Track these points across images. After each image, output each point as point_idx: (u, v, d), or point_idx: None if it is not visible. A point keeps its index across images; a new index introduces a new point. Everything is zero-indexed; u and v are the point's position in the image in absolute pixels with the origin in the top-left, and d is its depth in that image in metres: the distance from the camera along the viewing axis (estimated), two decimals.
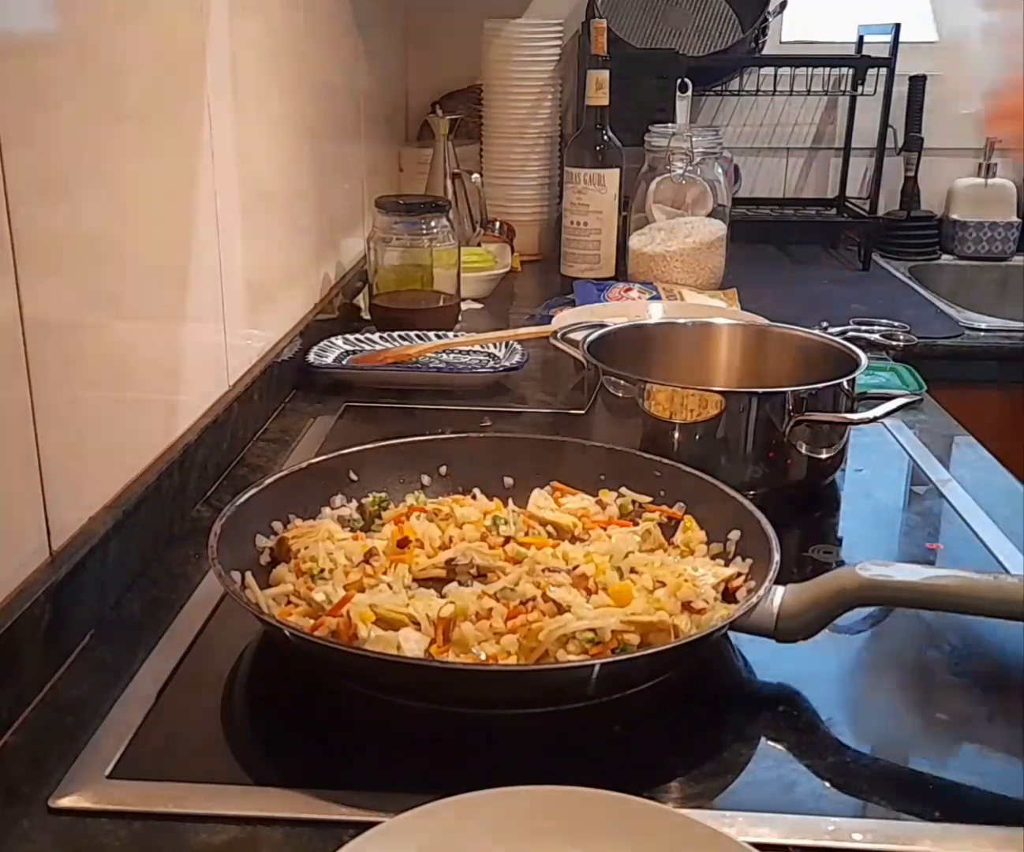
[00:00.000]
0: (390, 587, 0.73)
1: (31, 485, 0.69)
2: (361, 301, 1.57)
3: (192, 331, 0.97)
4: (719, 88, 2.14)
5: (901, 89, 2.07)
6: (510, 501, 0.87)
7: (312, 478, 0.85)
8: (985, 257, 2.16)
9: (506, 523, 0.82)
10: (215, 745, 0.64)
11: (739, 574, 0.76)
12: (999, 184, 2.17)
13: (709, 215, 1.73)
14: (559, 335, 1.15)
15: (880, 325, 1.42)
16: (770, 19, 2.09)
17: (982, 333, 1.66)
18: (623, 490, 0.87)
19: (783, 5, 2.10)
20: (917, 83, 2.12)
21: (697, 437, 0.95)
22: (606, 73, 1.67)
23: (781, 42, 2.22)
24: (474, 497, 0.88)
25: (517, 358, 1.29)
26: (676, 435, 0.95)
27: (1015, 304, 1.86)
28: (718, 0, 2.12)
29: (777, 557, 0.71)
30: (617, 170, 1.70)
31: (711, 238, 1.70)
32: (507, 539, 0.81)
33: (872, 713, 0.69)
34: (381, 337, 1.38)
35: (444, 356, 1.34)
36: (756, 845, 0.53)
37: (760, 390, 0.95)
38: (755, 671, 0.71)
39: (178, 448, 0.91)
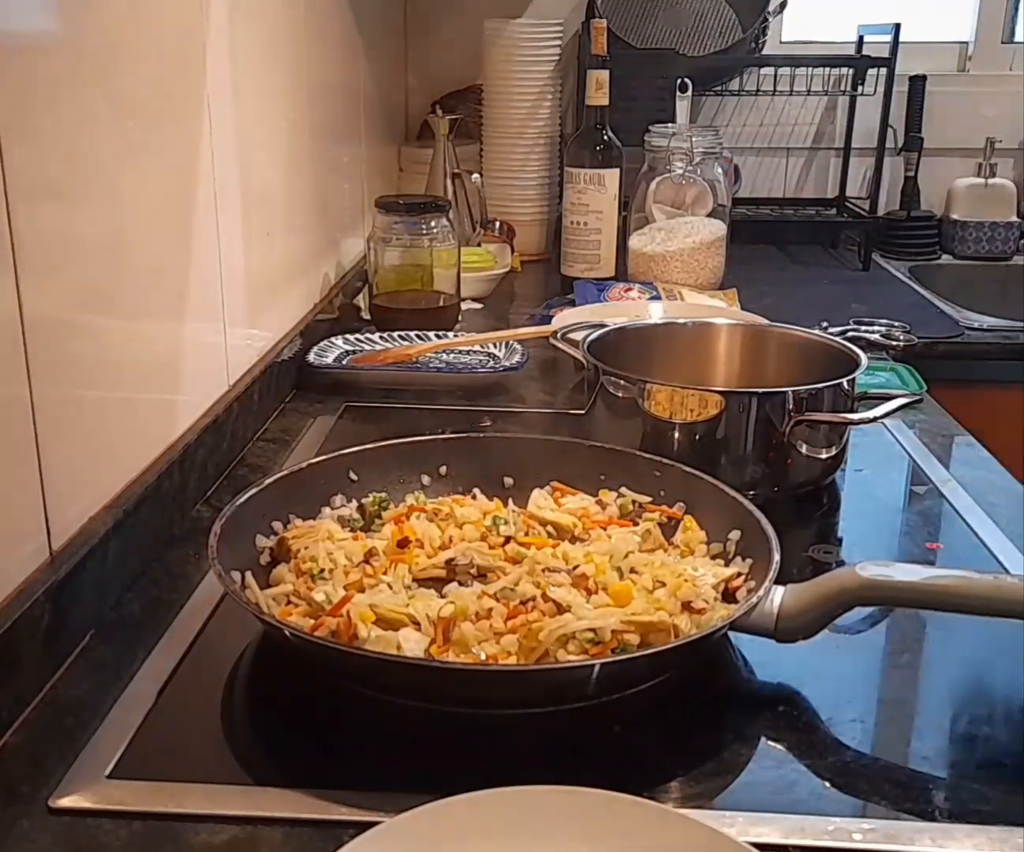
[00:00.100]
0: (390, 587, 0.73)
1: (31, 485, 0.69)
2: (361, 301, 1.57)
3: (192, 331, 0.97)
4: (719, 88, 2.13)
5: (901, 89, 2.07)
6: (510, 501, 0.87)
7: (312, 478, 0.85)
8: (985, 257, 2.16)
9: (506, 523, 0.82)
10: (215, 745, 0.64)
11: (739, 574, 0.76)
12: (999, 184, 2.17)
13: (709, 215, 1.72)
14: (559, 335, 1.15)
15: (880, 325, 1.42)
16: (770, 19, 2.09)
17: (982, 333, 1.66)
18: (623, 490, 0.87)
19: (783, 5, 2.10)
20: (917, 83, 2.12)
21: (697, 437, 0.95)
22: (606, 73, 1.67)
23: (781, 42, 2.23)
24: (474, 497, 0.88)
25: (517, 358, 1.29)
26: (676, 435, 0.95)
27: (1015, 304, 1.86)
28: (718, 0, 2.11)
29: (777, 557, 0.71)
30: (617, 170, 1.70)
31: (711, 238, 1.70)
32: (507, 539, 0.81)
33: (872, 713, 0.69)
34: (381, 337, 1.38)
35: (444, 356, 1.34)
36: (756, 845, 0.53)
37: (760, 390, 0.95)
38: (755, 671, 0.71)
39: (178, 448, 0.91)
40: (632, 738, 0.65)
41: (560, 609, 0.69)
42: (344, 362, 1.31)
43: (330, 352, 1.33)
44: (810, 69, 2.06)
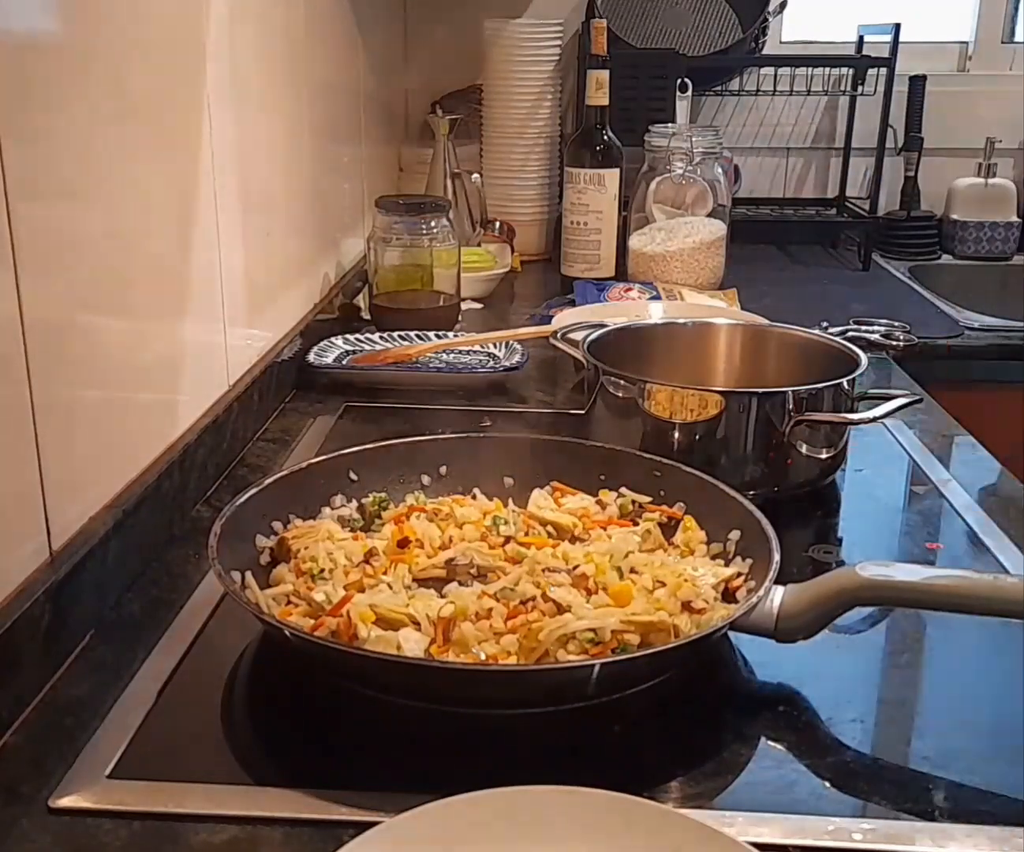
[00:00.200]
0: (390, 587, 0.73)
1: (31, 485, 0.69)
2: (361, 301, 1.57)
3: (192, 331, 0.97)
4: (719, 88, 2.14)
5: (901, 89, 2.07)
6: (510, 501, 0.87)
7: (312, 478, 0.85)
8: (985, 257, 2.16)
9: (506, 523, 0.82)
10: (215, 745, 0.64)
11: (739, 574, 0.76)
12: (999, 184, 2.17)
13: (709, 215, 1.72)
14: (559, 335, 1.15)
15: (880, 325, 1.41)
16: (770, 19, 2.09)
17: (982, 333, 1.66)
18: (623, 490, 0.87)
19: (783, 5, 2.10)
20: (917, 83, 2.12)
21: (697, 437, 0.95)
22: (606, 73, 1.67)
23: (781, 42, 2.23)
24: (474, 497, 0.88)
25: (517, 358, 1.29)
26: (676, 435, 0.95)
27: (1015, 304, 1.86)
28: (718, 0, 2.12)
29: (777, 557, 0.71)
30: (617, 170, 1.70)
31: (711, 238, 1.70)
32: (507, 539, 0.81)
33: (872, 713, 0.69)
34: (381, 337, 1.38)
35: (444, 356, 1.34)
36: (756, 845, 0.53)
37: (760, 390, 0.95)
38: (755, 671, 0.71)
39: (178, 448, 0.91)
40: (632, 738, 0.65)
41: (560, 609, 0.69)
42: (344, 362, 1.31)
43: (330, 352, 1.33)
44: (810, 69, 2.06)
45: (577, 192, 1.71)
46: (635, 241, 1.73)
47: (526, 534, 0.82)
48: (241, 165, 1.09)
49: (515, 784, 0.54)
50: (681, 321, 1.20)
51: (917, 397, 1.03)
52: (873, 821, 0.58)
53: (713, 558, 0.79)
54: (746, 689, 0.71)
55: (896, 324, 1.43)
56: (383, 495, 0.87)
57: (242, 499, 0.78)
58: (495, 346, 1.35)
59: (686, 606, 0.71)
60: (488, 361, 1.33)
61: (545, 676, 0.63)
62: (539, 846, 0.53)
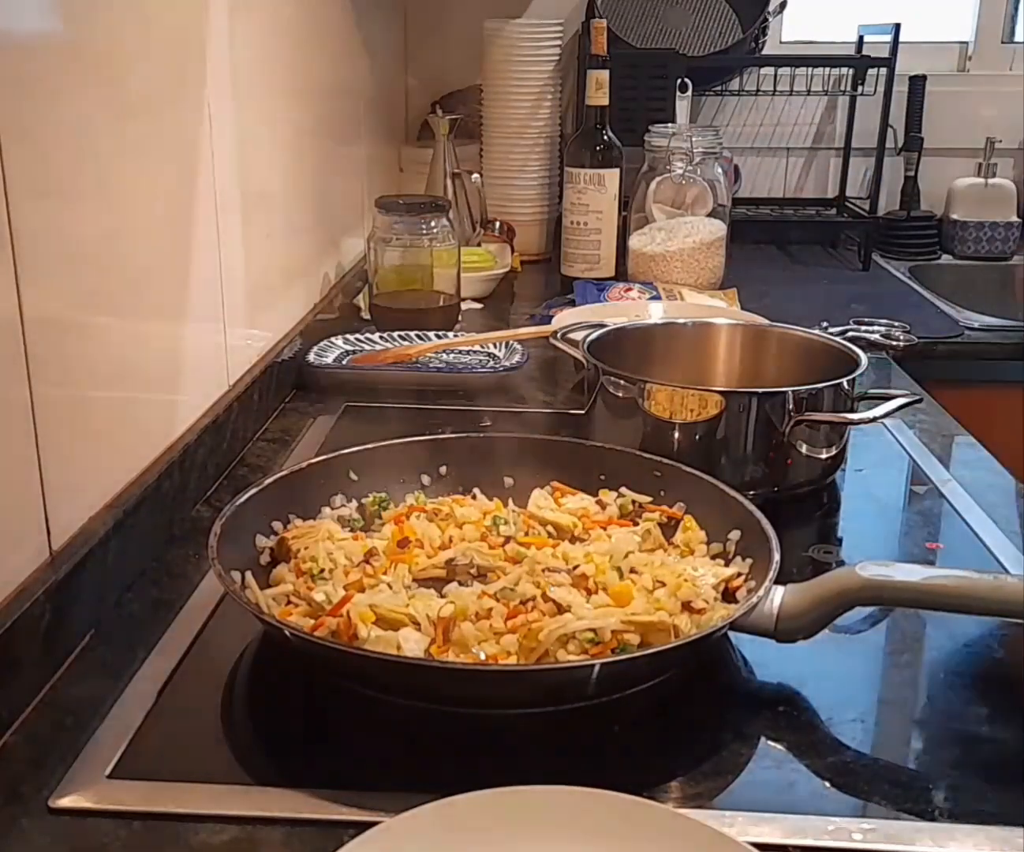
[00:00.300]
0: (390, 587, 0.73)
1: (31, 485, 0.69)
2: (361, 301, 1.57)
3: (192, 331, 0.97)
4: (719, 88, 2.13)
5: (901, 89, 2.07)
6: (510, 501, 0.87)
7: (312, 478, 0.85)
8: (985, 257, 2.16)
9: (506, 523, 0.83)
10: (215, 745, 0.64)
11: (739, 574, 0.76)
12: (999, 184, 2.17)
13: (709, 215, 1.72)
14: (559, 335, 1.15)
15: (880, 325, 1.41)
16: (770, 19, 2.09)
17: (982, 333, 1.66)
18: (623, 490, 0.87)
19: (783, 5, 2.10)
20: (917, 83, 2.12)
21: (697, 437, 0.95)
22: (606, 73, 1.67)
23: (781, 42, 2.23)
24: (474, 497, 0.88)
25: (517, 358, 1.29)
26: (676, 435, 0.95)
27: (1015, 304, 1.86)
28: (718, 0, 2.12)
29: (777, 557, 0.71)
30: (617, 170, 1.70)
31: (711, 238, 1.70)
32: (507, 539, 0.81)
33: (872, 713, 0.69)
34: (381, 337, 1.38)
35: (444, 356, 1.34)
36: (756, 845, 0.53)
37: (760, 390, 0.95)
38: (755, 671, 0.71)
39: (178, 448, 0.91)
40: (632, 738, 0.65)
41: (560, 609, 0.69)
42: (344, 362, 1.31)
43: (330, 352, 1.33)
44: (810, 69, 2.06)
45: (577, 192, 1.71)
46: (635, 241, 1.73)
47: (526, 534, 0.82)
48: (241, 165, 1.09)
49: (515, 784, 0.54)
50: (681, 321, 1.20)
51: (917, 397, 1.03)
52: (873, 821, 0.58)
53: (713, 558, 0.79)
54: (746, 689, 0.71)
55: (896, 324, 1.43)
56: (383, 495, 0.87)
57: (242, 499, 0.78)
58: (495, 346, 1.35)
59: (686, 606, 0.71)
60: (488, 361, 1.33)
61: (545, 676, 0.63)
62: (539, 846, 0.53)
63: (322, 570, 0.75)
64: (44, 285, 0.69)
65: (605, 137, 1.69)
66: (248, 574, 0.74)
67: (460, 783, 0.55)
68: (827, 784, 0.61)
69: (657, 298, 1.53)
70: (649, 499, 0.86)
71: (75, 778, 0.60)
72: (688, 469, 0.85)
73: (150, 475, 0.85)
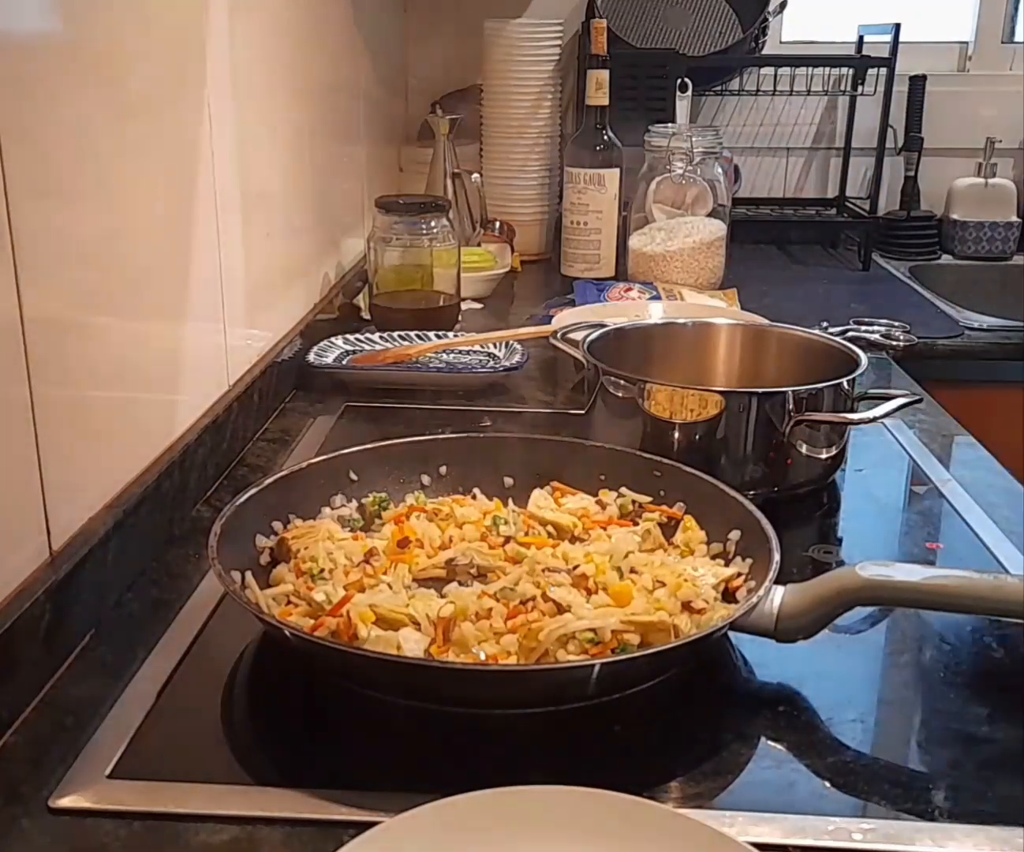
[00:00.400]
0: (390, 587, 0.73)
1: (31, 485, 0.69)
2: (361, 301, 1.57)
3: (192, 331, 0.97)
4: (719, 88, 2.14)
5: (901, 89, 2.07)
6: (510, 501, 0.87)
7: (312, 478, 0.85)
8: (985, 257, 2.16)
9: (506, 523, 0.82)
10: (215, 745, 0.64)
11: (739, 574, 0.76)
12: (999, 184, 2.17)
13: (709, 215, 1.72)
14: (559, 335, 1.15)
15: (880, 325, 1.41)
16: (770, 19, 2.09)
17: (982, 333, 1.66)
18: (623, 490, 0.87)
19: (783, 5, 2.10)
20: (917, 83, 2.12)
21: (697, 437, 0.95)
22: (606, 73, 1.67)
23: (781, 42, 2.23)
24: (474, 497, 0.88)
25: (517, 358, 1.29)
26: (676, 435, 0.95)
27: (1015, 304, 1.86)
28: (718, 0, 2.12)
29: (777, 557, 0.71)
30: (617, 170, 1.70)
31: (711, 238, 1.70)
32: (507, 539, 0.81)
33: (872, 713, 0.69)
34: (381, 337, 1.38)
35: (444, 356, 1.34)
36: (756, 845, 0.53)
37: (760, 390, 0.95)
38: (755, 671, 0.71)
39: (178, 448, 0.91)
40: (632, 738, 0.65)
41: (560, 609, 0.69)
42: (344, 362, 1.31)
43: (330, 352, 1.33)
44: (810, 69, 2.06)
45: (577, 192, 1.71)
46: (635, 241, 1.73)
47: (526, 534, 0.82)
48: (241, 165, 1.09)
49: (515, 784, 0.54)
50: (681, 321, 1.20)
51: (917, 397, 1.03)
52: (873, 821, 0.58)
53: (713, 558, 0.79)
54: (746, 689, 0.71)
55: (896, 324, 1.43)
56: (383, 495, 0.87)
57: (242, 499, 0.78)
58: (495, 346, 1.35)
59: (686, 606, 0.71)
60: (488, 361, 1.33)
61: (545, 676, 0.63)
62: (539, 846, 0.53)
63: (322, 570, 0.75)
64: (44, 285, 0.69)
65: (605, 137, 1.69)
66: (248, 574, 0.74)
67: (460, 783, 0.55)
68: (827, 784, 0.61)
69: (657, 298, 1.53)
70: (649, 499, 0.86)
71: (75, 778, 0.60)
72: (688, 469, 0.85)
73: (150, 475, 0.85)
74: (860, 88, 2.06)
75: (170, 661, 0.71)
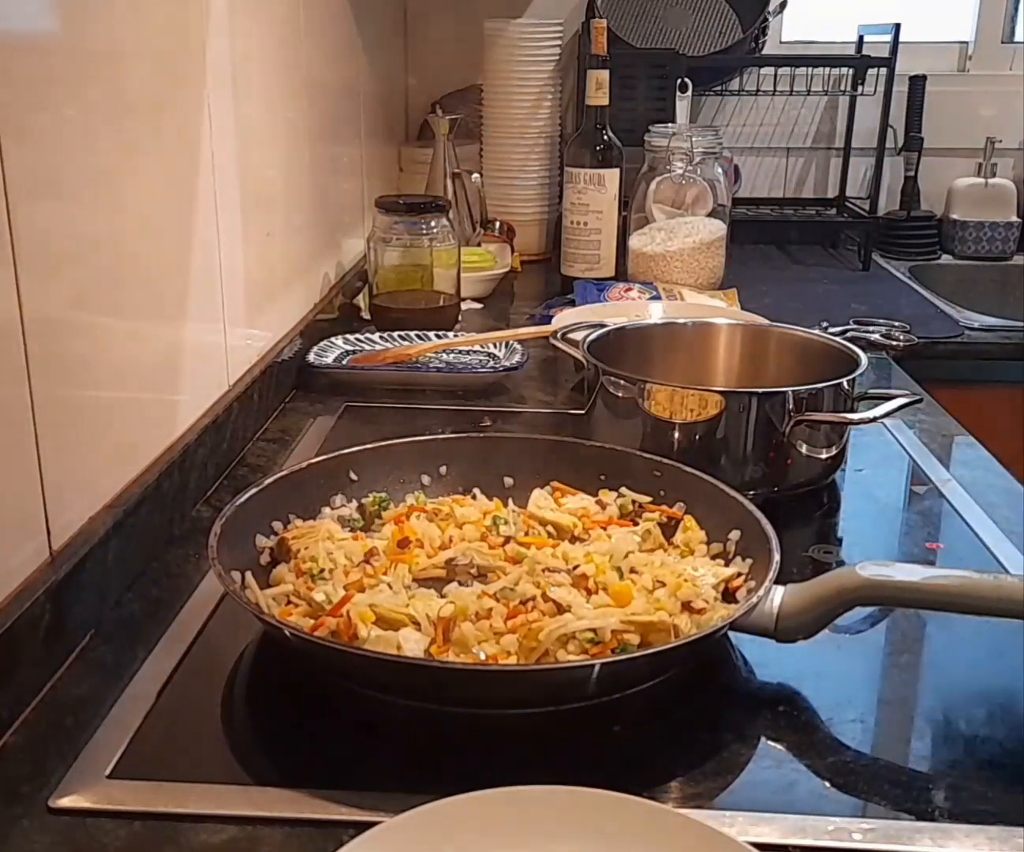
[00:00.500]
0: (390, 587, 0.73)
1: (31, 485, 0.69)
2: (361, 301, 1.57)
3: (192, 331, 0.97)
4: (719, 88, 2.13)
5: (901, 89, 2.07)
6: (510, 501, 0.87)
7: (312, 478, 0.85)
8: (985, 257, 2.16)
9: (506, 523, 0.82)
10: (215, 745, 0.64)
11: (739, 574, 0.76)
12: (999, 184, 2.17)
13: (709, 215, 1.72)
14: (559, 335, 1.15)
15: (880, 325, 1.42)
16: (770, 19, 2.09)
17: (982, 333, 1.66)
18: (623, 490, 0.87)
19: (783, 5, 2.10)
20: (917, 83, 2.12)
21: (697, 437, 0.95)
22: (606, 73, 1.67)
23: (781, 42, 2.23)
24: (474, 497, 0.88)
25: (517, 358, 1.29)
26: (676, 435, 0.95)
27: (1015, 304, 1.86)
28: (718, 0, 2.12)
29: (777, 557, 0.71)
30: (617, 170, 1.70)
31: (711, 238, 1.70)
32: (507, 539, 0.81)
33: (872, 713, 0.69)
34: (381, 337, 1.38)
35: (444, 356, 1.34)
36: (756, 845, 0.53)
37: (760, 390, 0.95)
38: (755, 671, 0.71)
39: (178, 448, 0.91)
40: (632, 738, 0.65)
41: (560, 609, 0.69)
42: (344, 362, 1.31)
43: (330, 352, 1.33)
44: (810, 69, 2.06)
45: (577, 192, 1.71)
46: (635, 241, 1.73)
47: (526, 534, 0.82)
48: (241, 165, 1.09)
49: (515, 784, 0.54)
50: (681, 321, 1.20)
51: (917, 397, 1.03)
52: (873, 821, 0.58)
53: (713, 558, 0.79)
54: (746, 689, 0.70)
55: (896, 324, 1.43)
56: (383, 495, 0.87)
57: (242, 499, 0.78)
58: (495, 346, 1.35)
59: (686, 606, 0.71)
60: (488, 361, 1.33)
61: (545, 676, 0.63)
62: (539, 846, 0.53)
63: (322, 570, 0.75)
64: (44, 285, 0.69)
65: (605, 137, 1.69)
66: (248, 574, 0.74)
67: (460, 783, 0.55)
68: (827, 784, 0.61)
69: (657, 298, 1.53)
70: (649, 499, 0.86)
71: (75, 778, 0.60)
72: (688, 469, 0.85)
73: (150, 475, 0.85)
74: (860, 88, 2.06)
75: (170, 661, 0.71)
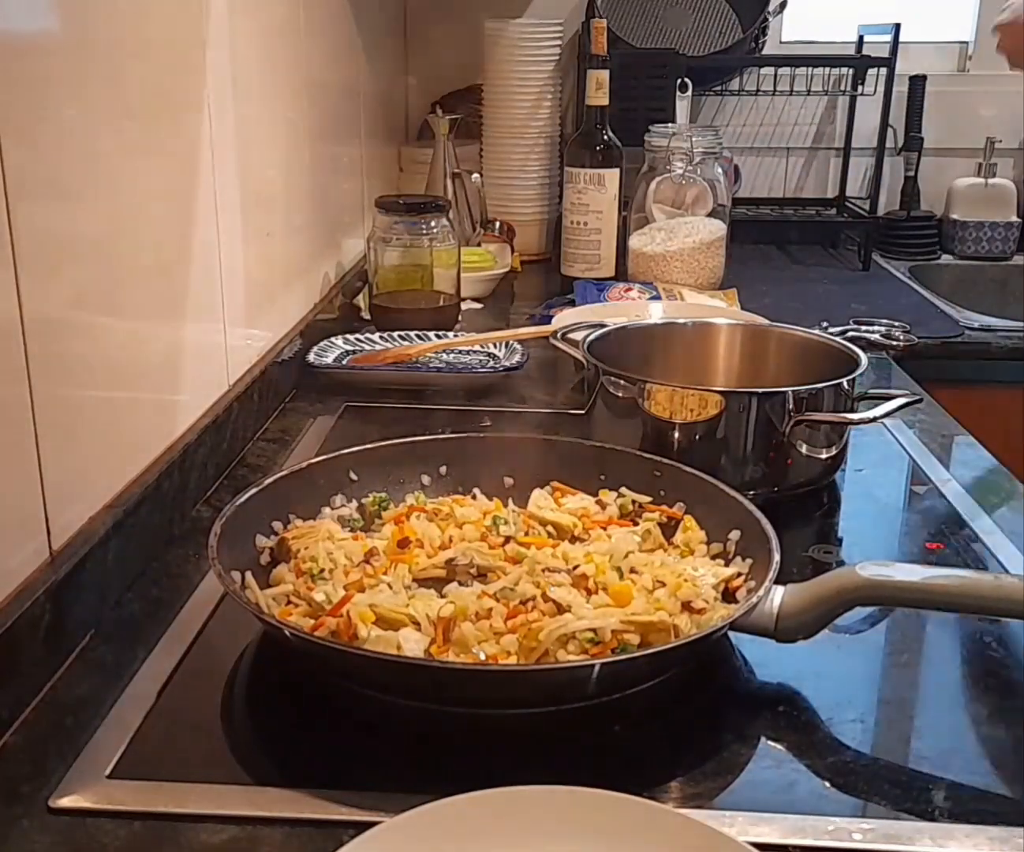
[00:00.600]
0: (390, 587, 0.73)
1: (31, 485, 0.69)
2: (361, 301, 1.57)
3: (192, 331, 0.97)
4: (719, 88, 2.14)
5: (901, 89, 2.07)
6: (510, 501, 0.87)
7: (312, 478, 0.85)
8: (985, 257, 2.16)
9: (506, 523, 0.82)
10: (215, 745, 0.64)
11: (739, 574, 0.76)
12: (999, 184, 2.17)
13: (709, 215, 1.73)
14: (559, 335, 1.15)
15: (880, 325, 1.41)
16: (770, 19, 2.09)
17: (982, 333, 1.66)
18: (623, 490, 0.87)
19: (783, 5, 2.10)
20: (917, 83, 2.12)
21: (697, 437, 0.95)
22: (606, 73, 1.67)
23: (781, 42, 2.23)
24: (474, 497, 0.88)
25: (517, 358, 1.29)
26: (676, 435, 0.95)
27: (1015, 304, 1.86)
28: (718, 0, 2.12)
29: (777, 557, 0.71)
30: (617, 170, 1.70)
31: (711, 238, 1.70)
32: (507, 539, 0.81)
33: (872, 713, 0.69)
34: (381, 337, 1.38)
35: (444, 356, 1.34)
36: (756, 845, 0.53)
37: (760, 390, 0.95)
38: (755, 671, 0.71)
39: (178, 448, 0.91)
40: (632, 738, 0.65)
41: (560, 609, 0.69)
42: (344, 362, 1.31)
43: (330, 352, 1.33)
44: (810, 69, 2.06)
45: (577, 192, 1.71)
46: (635, 241, 1.73)
47: (526, 534, 0.82)
48: (241, 165, 1.09)
49: (515, 784, 0.54)
50: (681, 321, 1.20)
51: (917, 397, 1.03)
52: (873, 821, 0.58)
53: (713, 558, 0.79)
54: (746, 689, 0.70)
55: (896, 324, 1.43)
56: (383, 495, 0.87)
57: (242, 499, 0.78)
58: (495, 346, 1.35)
59: (686, 606, 0.71)
60: (488, 361, 1.33)
61: (545, 676, 0.63)
62: (539, 846, 0.53)
63: (322, 570, 0.75)
64: (44, 285, 0.69)
65: (605, 137, 1.69)
66: (248, 574, 0.74)
67: (460, 783, 0.55)
68: (827, 784, 0.61)
69: (657, 298, 1.53)
70: (649, 499, 0.86)
71: (75, 778, 0.60)
72: (688, 469, 0.85)
73: (150, 475, 0.85)
74: (860, 88, 2.06)
75: (170, 661, 0.71)
